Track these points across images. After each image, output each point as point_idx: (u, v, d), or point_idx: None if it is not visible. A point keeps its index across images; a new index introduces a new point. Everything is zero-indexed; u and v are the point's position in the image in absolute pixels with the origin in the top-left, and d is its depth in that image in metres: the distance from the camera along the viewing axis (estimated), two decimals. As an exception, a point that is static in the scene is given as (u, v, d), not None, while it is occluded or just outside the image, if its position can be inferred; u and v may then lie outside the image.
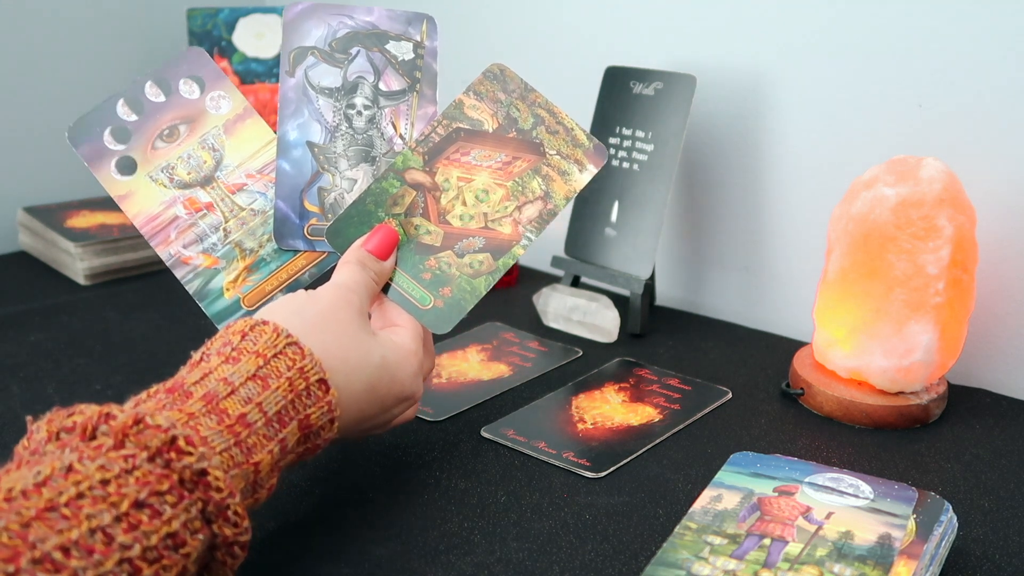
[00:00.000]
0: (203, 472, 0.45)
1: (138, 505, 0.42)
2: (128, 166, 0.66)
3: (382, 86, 0.68)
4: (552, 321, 0.91)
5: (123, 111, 0.66)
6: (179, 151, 0.67)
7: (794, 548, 0.50)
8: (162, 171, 0.67)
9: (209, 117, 0.68)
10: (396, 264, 0.65)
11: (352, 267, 0.62)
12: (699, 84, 0.87)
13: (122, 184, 0.66)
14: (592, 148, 0.67)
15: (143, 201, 0.66)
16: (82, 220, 1.08)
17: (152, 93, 0.67)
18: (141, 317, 0.93)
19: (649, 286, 0.89)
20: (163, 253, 0.66)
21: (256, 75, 1.16)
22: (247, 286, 0.67)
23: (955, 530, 0.55)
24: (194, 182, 0.67)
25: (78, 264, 1.02)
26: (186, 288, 0.66)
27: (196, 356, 0.53)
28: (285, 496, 0.61)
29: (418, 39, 0.68)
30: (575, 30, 1.01)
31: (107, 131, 0.66)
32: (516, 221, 0.66)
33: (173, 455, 0.44)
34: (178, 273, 0.66)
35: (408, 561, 0.55)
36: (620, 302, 0.91)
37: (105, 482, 0.42)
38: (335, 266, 0.63)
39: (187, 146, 0.67)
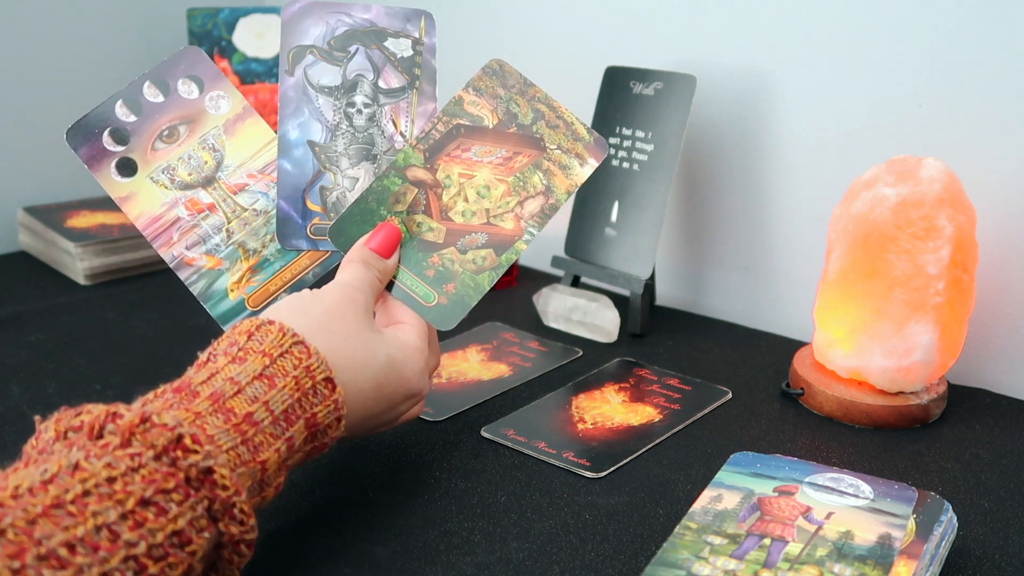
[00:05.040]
0: (209, 470, 0.45)
1: (144, 503, 0.42)
2: (128, 167, 0.66)
3: (382, 84, 0.68)
4: (552, 321, 0.91)
5: (122, 112, 0.66)
6: (179, 152, 0.67)
7: (794, 548, 0.50)
8: (163, 172, 0.66)
9: (209, 117, 0.67)
10: (400, 262, 0.65)
11: (356, 266, 0.62)
12: (699, 84, 0.87)
13: (123, 186, 0.66)
14: (593, 142, 0.67)
15: (144, 203, 0.66)
16: (82, 220, 1.08)
17: (151, 93, 0.66)
18: (141, 317, 0.93)
19: (649, 286, 0.89)
20: (166, 255, 0.66)
21: (256, 75, 1.16)
22: (251, 287, 0.67)
23: (955, 530, 0.55)
24: (195, 183, 0.67)
25: (78, 264, 1.02)
26: (190, 290, 0.66)
27: (203, 356, 0.53)
28: (286, 496, 0.61)
29: (416, 36, 0.68)
30: (575, 30, 1.01)
31: (106, 132, 0.66)
32: (518, 216, 0.66)
33: (179, 453, 0.44)
34: (182, 275, 0.66)
35: (408, 561, 0.55)
36: (620, 302, 0.91)
37: (111, 480, 0.42)
38: (339, 265, 0.63)
39: (187, 147, 0.67)
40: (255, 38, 1.16)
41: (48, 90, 1.16)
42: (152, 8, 1.23)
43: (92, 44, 1.19)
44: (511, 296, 0.98)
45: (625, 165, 0.89)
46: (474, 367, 0.81)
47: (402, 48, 0.68)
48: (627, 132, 0.89)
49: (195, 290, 0.66)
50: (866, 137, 0.83)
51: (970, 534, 0.58)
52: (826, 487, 0.56)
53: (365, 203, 0.66)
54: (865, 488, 0.55)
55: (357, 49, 0.68)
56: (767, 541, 0.51)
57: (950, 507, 0.54)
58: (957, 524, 0.56)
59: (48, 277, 1.04)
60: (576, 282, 0.93)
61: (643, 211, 0.87)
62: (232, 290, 0.66)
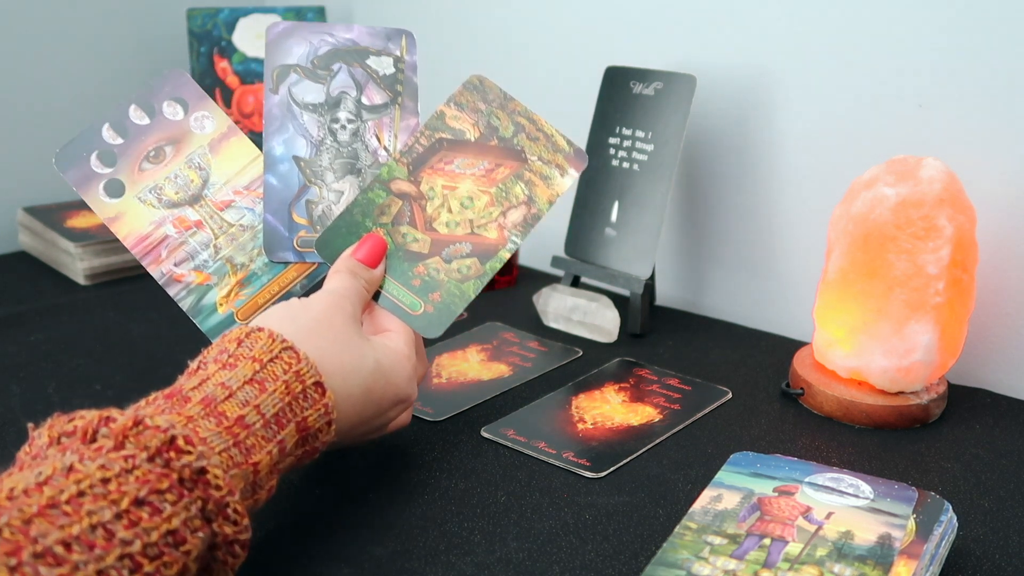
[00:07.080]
0: (202, 471, 0.45)
1: (138, 503, 0.42)
2: (116, 188, 0.67)
3: (365, 100, 0.70)
4: (552, 321, 0.91)
5: (108, 135, 0.67)
6: (166, 172, 0.68)
7: (794, 548, 0.50)
8: (150, 192, 0.68)
9: (194, 137, 0.69)
10: (386, 272, 0.66)
11: (343, 275, 0.63)
12: (699, 84, 0.87)
13: (111, 206, 0.67)
14: (572, 153, 0.68)
15: (133, 222, 0.67)
16: (82, 220, 1.08)
17: (136, 116, 0.68)
18: (141, 317, 0.93)
19: (649, 286, 0.89)
20: (155, 272, 0.67)
21: (256, 75, 1.17)
22: (240, 300, 0.68)
23: (955, 530, 0.55)
24: (182, 201, 0.68)
25: (78, 264, 1.02)
26: (179, 305, 0.67)
27: (193, 364, 0.54)
28: (285, 496, 0.61)
29: (398, 54, 0.70)
30: (575, 30, 1.01)
31: (94, 155, 0.67)
32: (501, 226, 0.67)
33: (172, 454, 0.45)
34: (171, 291, 0.67)
35: (408, 561, 0.55)
36: (620, 302, 0.91)
37: (105, 481, 0.42)
38: (326, 276, 0.64)
39: (174, 166, 0.68)
40: (255, 38, 1.16)
41: (48, 90, 1.16)
42: (152, 8, 1.24)
43: (92, 44, 1.20)
44: (511, 296, 0.98)
45: (625, 165, 0.89)
46: (474, 367, 0.81)
47: (384, 66, 0.69)
48: (627, 132, 0.89)
49: (184, 306, 0.67)
50: (866, 137, 0.82)
51: (970, 534, 0.58)
52: (826, 487, 0.55)
53: (351, 215, 0.67)
54: (865, 488, 0.55)
55: (340, 67, 0.70)
56: (767, 541, 0.51)
57: (950, 507, 0.54)
58: (957, 524, 0.55)
59: (48, 277, 1.04)
60: (576, 282, 0.93)
61: (643, 211, 0.87)
62: (221, 304, 0.67)
